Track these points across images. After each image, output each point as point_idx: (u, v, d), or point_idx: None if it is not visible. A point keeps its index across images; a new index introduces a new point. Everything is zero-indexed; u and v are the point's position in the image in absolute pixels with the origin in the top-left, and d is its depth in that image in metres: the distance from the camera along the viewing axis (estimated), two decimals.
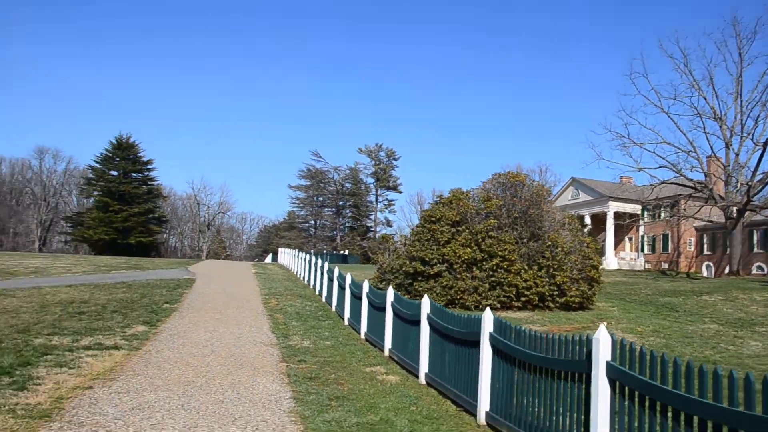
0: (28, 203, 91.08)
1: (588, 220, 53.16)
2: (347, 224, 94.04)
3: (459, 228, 19.57)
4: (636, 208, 50.99)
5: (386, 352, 11.53)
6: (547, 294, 18.54)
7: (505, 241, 18.76)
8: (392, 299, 11.58)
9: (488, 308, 7.66)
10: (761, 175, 36.34)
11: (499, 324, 7.09)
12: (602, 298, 21.58)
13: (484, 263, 18.66)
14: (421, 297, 11.28)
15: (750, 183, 36.33)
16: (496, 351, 7.06)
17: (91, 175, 77.61)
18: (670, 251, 52.29)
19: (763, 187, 37.45)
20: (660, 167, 40.68)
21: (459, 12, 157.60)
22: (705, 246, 50.38)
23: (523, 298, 18.39)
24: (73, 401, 7.07)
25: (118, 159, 75.28)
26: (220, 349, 10.98)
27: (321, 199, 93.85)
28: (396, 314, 11.25)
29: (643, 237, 55.23)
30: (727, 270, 40.06)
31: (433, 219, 20.15)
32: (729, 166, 38.46)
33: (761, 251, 45.34)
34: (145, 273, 28.15)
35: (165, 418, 6.56)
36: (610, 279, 28.95)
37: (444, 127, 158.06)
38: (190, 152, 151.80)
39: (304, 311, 17.34)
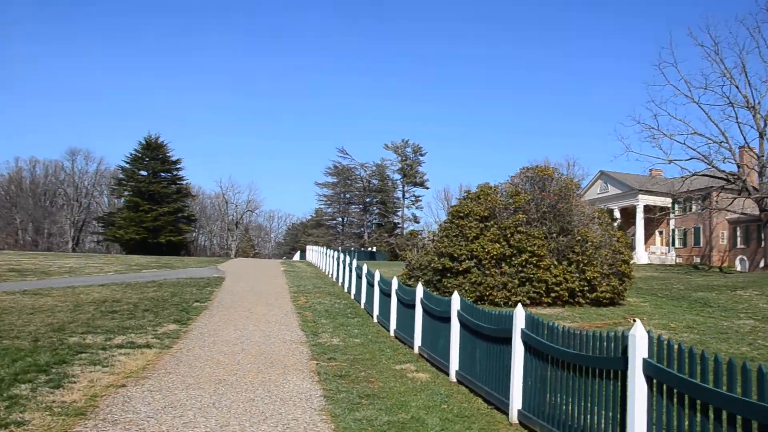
0: (61, 204, 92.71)
1: (617, 214, 52.45)
2: (374, 221, 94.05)
3: (487, 223, 19.43)
4: (666, 202, 50.17)
5: (416, 350, 11.48)
6: (577, 289, 18.32)
7: (534, 236, 18.59)
8: (422, 296, 11.53)
9: (519, 305, 7.57)
10: None
11: (531, 320, 7.00)
12: (633, 294, 21.27)
13: (513, 259, 18.51)
14: (450, 293, 11.23)
15: None
16: (528, 348, 6.97)
17: (121, 176, 78.81)
18: (702, 245, 51.36)
19: None
20: (691, 159, 40.07)
21: (483, 8, 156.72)
22: (738, 239, 49.33)
23: (552, 294, 18.20)
24: (107, 399, 7.14)
25: (147, 159, 76.27)
26: (250, 347, 11.03)
27: (348, 196, 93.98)
28: (425, 311, 11.19)
29: (673, 231, 54.32)
30: (762, 264, 39.27)
31: (461, 214, 20.05)
32: (763, 156, 37.57)
33: None
34: (175, 272, 28.47)
35: (197, 417, 6.60)
36: (640, 274, 28.52)
37: (470, 122, 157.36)
38: (218, 151, 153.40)
39: (333, 309, 17.37)
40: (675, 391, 4.43)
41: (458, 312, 9.29)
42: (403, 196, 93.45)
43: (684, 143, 43.46)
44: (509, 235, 18.76)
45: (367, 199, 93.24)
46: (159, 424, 6.29)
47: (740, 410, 3.75)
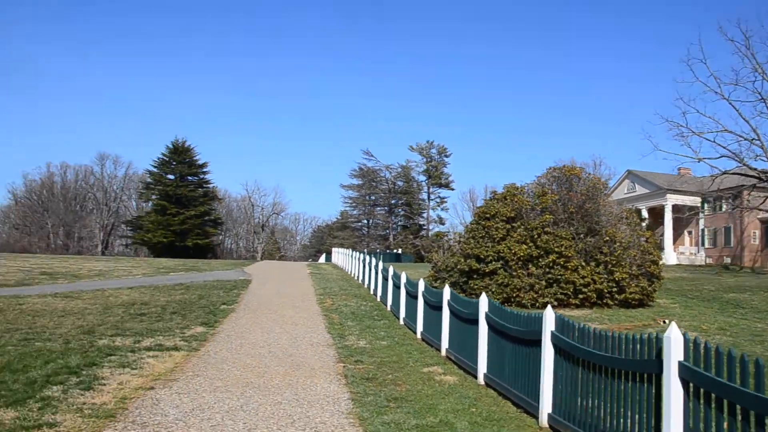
0: (91, 208, 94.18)
1: (645, 214, 51.69)
2: (400, 223, 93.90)
3: (514, 224, 19.26)
4: (695, 201, 49.34)
5: (443, 352, 11.40)
6: (605, 291, 18.06)
7: (561, 237, 18.38)
8: (449, 298, 11.45)
9: (549, 306, 7.46)
10: None
11: (561, 322, 6.89)
12: (662, 295, 20.91)
13: (540, 260, 18.32)
14: (477, 295, 11.13)
15: None
16: (558, 350, 6.86)
17: (149, 180, 79.78)
18: (732, 245, 50.37)
19: None
20: (721, 157, 39.15)
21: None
22: None
23: (580, 296, 17.98)
24: (136, 401, 7.19)
25: (174, 163, 77.13)
26: (277, 349, 11.04)
27: (373, 198, 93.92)
28: (453, 313, 11.10)
29: (703, 230, 53.36)
30: None
31: (488, 215, 19.90)
32: None
33: None
34: (202, 274, 28.70)
35: (224, 419, 6.60)
36: (669, 275, 28.05)
37: (495, 123, 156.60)
38: (244, 154, 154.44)
39: (359, 311, 17.35)
40: (713, 395, 4.29)
41: (486, 314, 9.20)
42: (428, 197, 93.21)
43: (714, 141, 42.56)
44: (536, 236, 18.57)
45: (393, 201, 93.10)
46: (187, 427, 6.30)
47: None
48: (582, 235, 18.92)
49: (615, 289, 18.10)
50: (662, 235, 50.43)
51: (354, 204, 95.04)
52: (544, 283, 18.05)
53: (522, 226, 19.01)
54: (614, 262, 18.15)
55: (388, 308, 17.88)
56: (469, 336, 9.95)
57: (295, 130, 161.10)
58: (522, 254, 18.33)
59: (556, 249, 18.13)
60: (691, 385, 4.58)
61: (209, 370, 9.11)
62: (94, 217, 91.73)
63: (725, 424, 4.14)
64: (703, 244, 53.31)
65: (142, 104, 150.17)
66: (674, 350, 4.71)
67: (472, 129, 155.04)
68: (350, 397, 7.83)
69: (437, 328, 11.92)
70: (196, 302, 17.48)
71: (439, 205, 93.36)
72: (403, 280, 15.71)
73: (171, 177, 76.87)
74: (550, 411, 6.89)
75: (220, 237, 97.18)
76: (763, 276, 31.23)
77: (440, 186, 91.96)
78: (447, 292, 11.62)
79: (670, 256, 48.75)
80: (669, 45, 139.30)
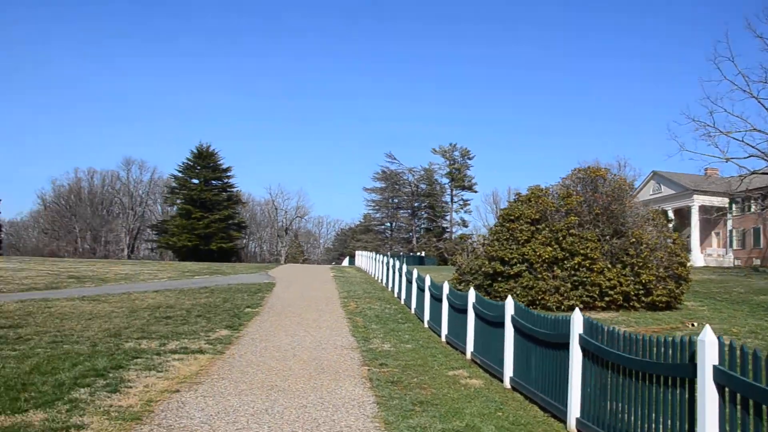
0: (117, 213, 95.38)
1: (671, 215, 50.98)
2: (423, 225, 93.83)
3: (538, 226, 19.08)
4: (723, 202, 48.58)
5: (468, 355, 11.31)
6: (631, 293, 17.81)
7: (586, 239, 18.16)
8: (474, 300, 11.36)
9: (576, 309, 7.34)
10: None
11: (589, 325, 6.77)
12: (690, 297, 20.56)
13: (566, 262, 18.11)
14: (501, 298, 11.04)
15: None
16: (587, 354, 6.74)
17: (174, 184, 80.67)
18: (762, 246, 49.44)
19: None
20: (749, 156, 38.44)
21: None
22: None
23: (606, 298, 17.74)
24: (162, 404, 7.21)
25: (199, 167, 77.87)
26: (301, 352, 11.03)
27: (396, 200, 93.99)
28: (478, 316, 11.01)
29: (731, 232, 52.47)
30: None
31: (512, 217, 19.73)
32: None
33: None
34: (227, 278, 28.87)
35: (250, 423, 6.59)
36: (697, 277, 27.60)
37: (518, 125, 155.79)
38: (267, 158, 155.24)
39: (384, 314, 17.30)
40: (751, 401, 4.16)
41: (512, 317, 9.10)
42: (452, 200, 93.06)
43: (742, 140, 41.76)
44: (561, 238, 18.37)
45: (416, 204, 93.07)
46: (213, 430, 6.30)
47: None
48: (608, 237, 18.68)
49: (642, 292, 17.83)
50: (689, 236, 49.72)
51: (377, 207, 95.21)
52: (569, 285, 17.85)
53: (547, 228, 18.82)
54: (641, 264, 17.88)
55: (412, 311, 17.81)
56: (495, 339, 9.85)
57: (318, 133, 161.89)
58: (547, 256, 18.15)
59: (581, 251, 17.92)
60: (726, 390, 4.43)
61: (234, 373, 9.12)
62: (120, 222, 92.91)
63: (764, 431, 4.01)
64: (731, 246, 52.43)
65: (165, 108, 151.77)
66: (708, 354, 4.57)
67: (495, 131, 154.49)
68: (375, 400, 7.77)
69: (462, 331, 11.84)
70: (220, 305, 17.56)
71: (462, 208, 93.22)
72: (428, 283, 15.63)
73: (195, 181, 77.63)
74: (578, 415, 6.77)
75: (244, 240, 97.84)
76: None
77: (463, 188, 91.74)
78: (472, 294, 11.53)
79: (697, 258, 48.02)
80: (695, 45, 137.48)
